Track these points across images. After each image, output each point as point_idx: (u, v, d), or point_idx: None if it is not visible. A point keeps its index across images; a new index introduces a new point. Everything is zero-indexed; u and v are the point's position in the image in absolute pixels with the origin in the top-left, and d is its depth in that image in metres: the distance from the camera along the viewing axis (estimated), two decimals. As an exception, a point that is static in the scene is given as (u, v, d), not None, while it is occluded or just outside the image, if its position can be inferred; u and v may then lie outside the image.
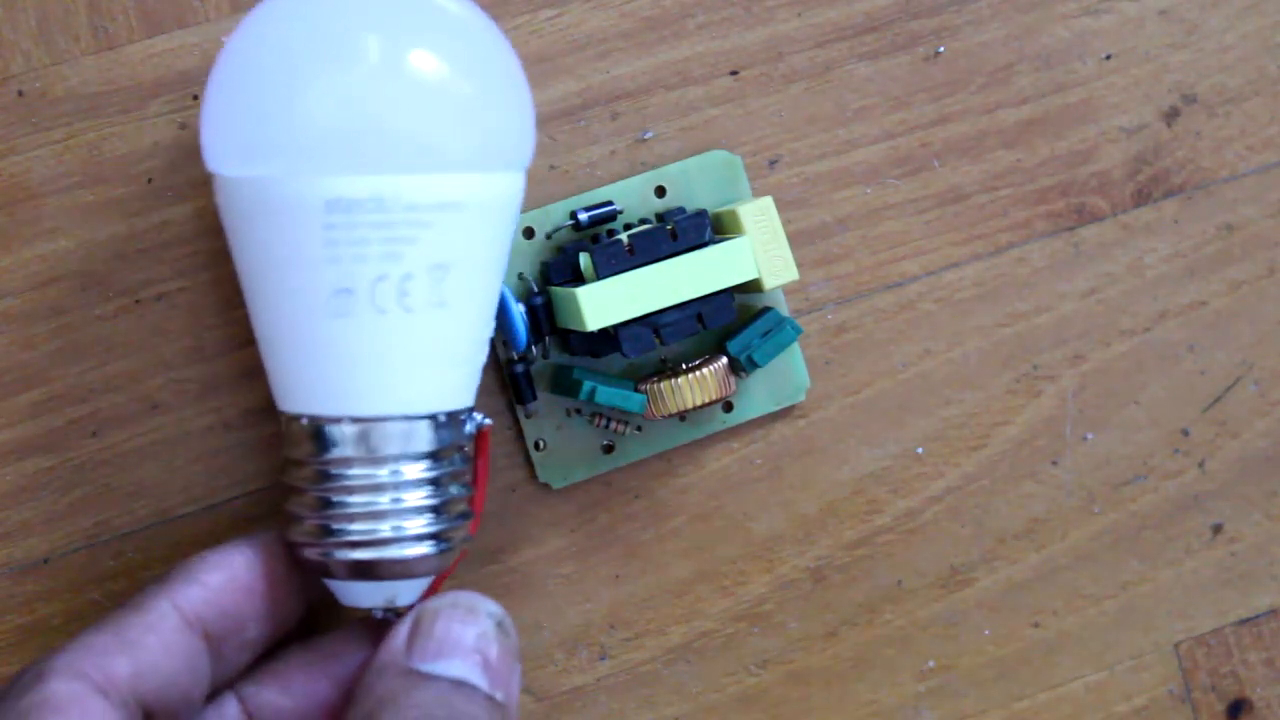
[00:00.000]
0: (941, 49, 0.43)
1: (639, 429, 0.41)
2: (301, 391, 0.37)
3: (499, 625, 0.37)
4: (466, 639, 0.36)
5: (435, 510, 0.37)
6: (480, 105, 0.36)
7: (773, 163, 0.42)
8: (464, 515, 0.38)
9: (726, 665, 0.43)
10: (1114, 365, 0.44)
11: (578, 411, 0.41)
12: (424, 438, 0.37)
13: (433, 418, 0.37)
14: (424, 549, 0.37)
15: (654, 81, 0.42)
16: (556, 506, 0.42)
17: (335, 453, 0.37)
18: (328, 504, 0.37)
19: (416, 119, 0.35)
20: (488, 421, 0.39)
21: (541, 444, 0.41)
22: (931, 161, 0.43)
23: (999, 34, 0.43)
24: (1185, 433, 0.44)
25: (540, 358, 0.41)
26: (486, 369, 0.40)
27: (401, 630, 0.37)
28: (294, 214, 0.35)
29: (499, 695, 0.36)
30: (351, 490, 0.36)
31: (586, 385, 0.39)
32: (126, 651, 0.35)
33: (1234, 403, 0.44)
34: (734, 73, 0.42)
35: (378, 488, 0.36)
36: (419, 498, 0.37)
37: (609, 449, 0.41)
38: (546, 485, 0.41)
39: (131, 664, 0.35)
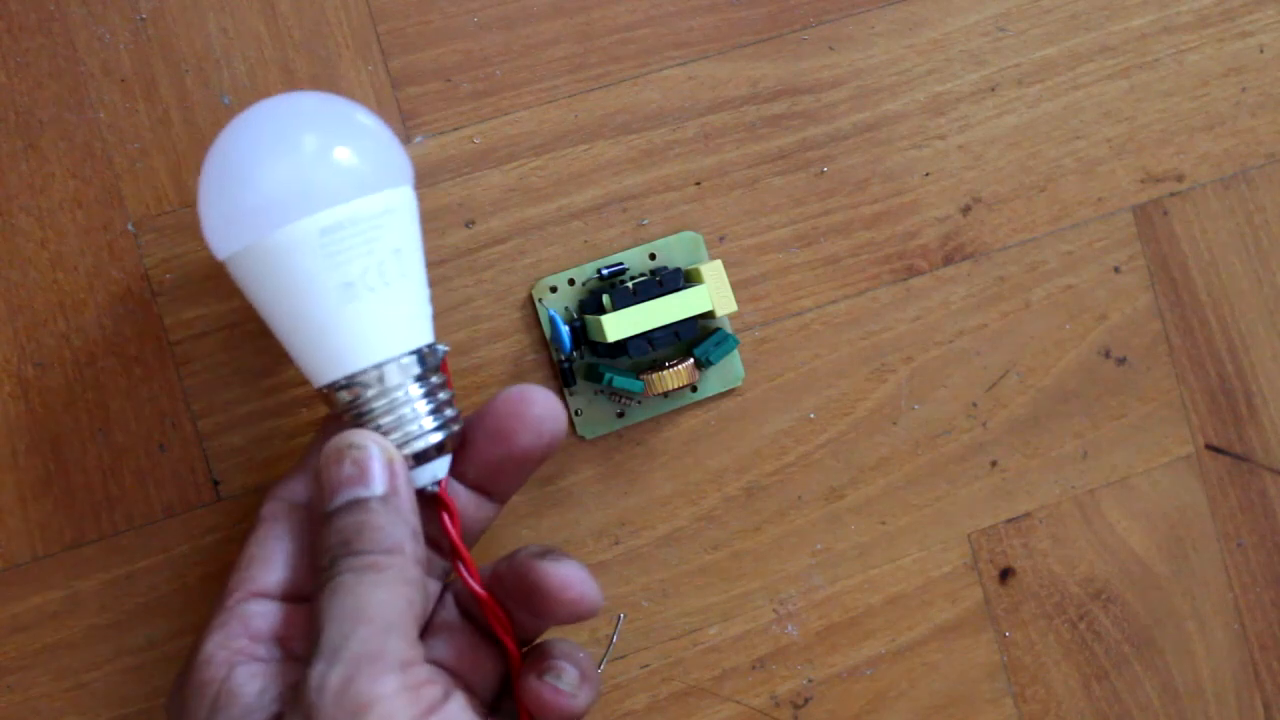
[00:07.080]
0: (825, 169, 0.47)
1: (639, 402, 0.46)
2: (333, 361, 0.38)
3: (350, 447, 0.37)
4: (341, 474, 0.37)
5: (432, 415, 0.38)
6: (369, 156, 0.38)
7: (722, 239, 0.47)
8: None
9: (692, 548, 0.47)
10: (931, 363, 0.48)
11: (601, 391, 0.45)
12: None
13: (417, 351, 0.38)
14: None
15: (648, 189, 0.46)
16: (588, 450, 0.46)
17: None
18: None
19: (342, 170, 0.38)
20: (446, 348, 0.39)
21: (579, 411, 0.46)
22: (819, 238, 0.47)
23: (861, 160, 0.48)
24: (974, 404, 0.49)
25: (578, 358, 0.45)
26: (545, 365, 0.45)
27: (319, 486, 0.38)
28: (299, 246, 0.37)
29: (378, 490, 0.37)
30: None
31: (607, 375, 0.44)
32: (301, 480, 0.40)
33: (1004, 386, 0.48)
34: (697, 183, 0.46)
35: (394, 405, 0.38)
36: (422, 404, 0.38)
37: (621, 415, 0.46)
38: (582, 437, 0.46)
39: (305, 490, 0.40)
